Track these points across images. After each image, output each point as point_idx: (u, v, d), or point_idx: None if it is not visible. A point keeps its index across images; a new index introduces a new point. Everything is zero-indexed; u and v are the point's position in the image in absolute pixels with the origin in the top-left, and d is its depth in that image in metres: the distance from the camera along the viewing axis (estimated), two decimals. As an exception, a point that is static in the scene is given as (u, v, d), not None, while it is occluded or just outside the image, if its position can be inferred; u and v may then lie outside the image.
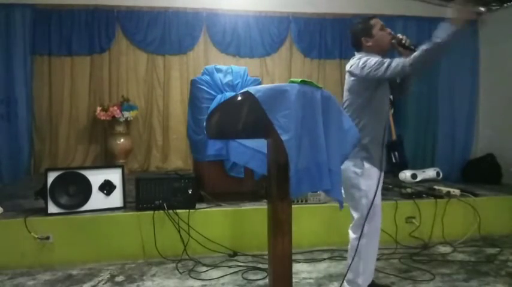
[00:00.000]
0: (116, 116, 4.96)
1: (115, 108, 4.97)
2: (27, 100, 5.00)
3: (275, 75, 5.73)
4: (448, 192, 3.68)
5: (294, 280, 1.85)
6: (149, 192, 3.07)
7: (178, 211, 3.05)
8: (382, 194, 2.28)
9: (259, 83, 3.67)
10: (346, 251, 2.33)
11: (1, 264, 2.79)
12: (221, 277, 2.70)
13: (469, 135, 5.44)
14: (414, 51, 1.99)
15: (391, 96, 2.29)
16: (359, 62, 2.12)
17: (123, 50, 5.43)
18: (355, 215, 2.22)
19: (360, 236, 2.15)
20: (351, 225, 2.27)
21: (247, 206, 3.27)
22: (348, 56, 2.34)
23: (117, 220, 3.01)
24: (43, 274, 2.72)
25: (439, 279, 2.68)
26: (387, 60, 2.03)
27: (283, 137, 1.44)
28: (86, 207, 3.03)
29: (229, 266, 2.87)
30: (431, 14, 5.47)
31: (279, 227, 1.60)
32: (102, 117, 4.98)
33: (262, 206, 3.20)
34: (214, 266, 2.87)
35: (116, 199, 3.14)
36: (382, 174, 2.20)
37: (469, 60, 5.38)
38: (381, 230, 2.29)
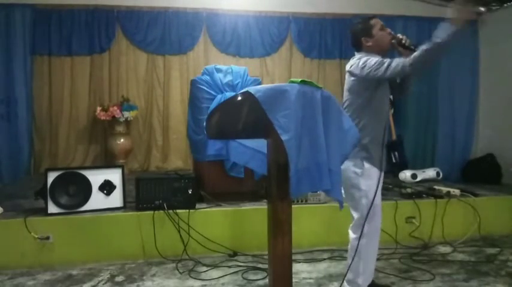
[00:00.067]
0: (116, 116, 4.96)
1: (115, 108, 4.97)
2: (27, 100, 5.00)
3: (275, 75, 5.73)
4: (448, 192, 3.68)
5: (294, 280, 1.86)
6: (149, 192, 3.07)
7: (178, 211, 3.05)
8: (382, 194, 2.28)
9: (259, 83, 3.67)
10: (346, 251, 2.33)
11: (1, 264, 2.79)
12: (221, 277, 2.70)
13: (469, 136, 5.44)
14: (414, 51, 1.99)
15: (391, 96, 2.29)
16: (359, 62, 2.12)
17: (123, 50, 5.43)
18: (355, 215, 2.22)
19: (360, 236, 2.15)
20: (351, 225, 2.27)
21: (247, 206, 3.27)
22: (348, 56, 2.34)
23: (117, 220, 3.01)
24: (43, 274, 2.72)
25: (439, 279, 2.68)
26: (387, 60, 2.03)
27: (283, 137, 1.44)
28: (86, 207, 3.03)
29: (229, 266, 2.87)
30: (431, 14, 5.47)
31: (279, 227, 1.60)
32: (102, 117, 4.98)
33: (262, 206, 3.20)
34: (214, 266, 2.87)
35: (116, 199, 3.14)
36: (382, 174, 2.20)
37: (469, 60, 5.38)
38: (381, 230, 2.29)
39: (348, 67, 2.23)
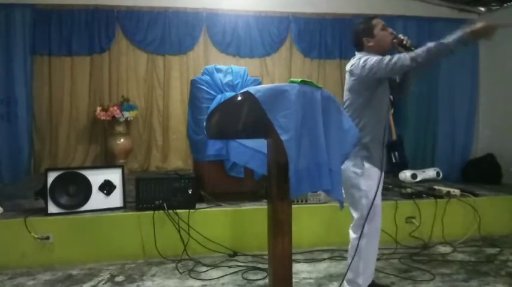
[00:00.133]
0: (116, 116, 4.96)
1: (115, 108, 4.97)
2: (27, 100, 5.01)
3: (275, 75, 5.73)
4: (448, 192, 3.68)
5: (294, 280, 1.86)
6: (149, 192, 3.07)
7: (178, 211, 3.05)
8: (382, 194, 2.27)
9: (259, 83, 3.67)
10: (346, 251, 2.32)
11: (1, 264, 2.79)
12: (221, 277, 2.70)
13: (469, 135, 5.44)
14: None
15: (391, 96, 2.29)
16: (359, 61, 2.12)
17: (123, 50, 5.43)
18: (355, 215, 2.22)
19: (360, 236, 2.15)
20: (351, 225, 2.27)
21: (247, 206, 3.27)
22: (348, 56, 2.35)
23: (117, 220, 3.01)
24: (43, 274, 2.72)
25: (439, 279, 2.68)
26: (387, 57, 2.03)
27: (283, 137, 1.44)
28: (86, 207, 3.03)
29: (229, 266, 2.87)
30: (431, 14, 5.48)
31: (279, 227, 1.60)
32: (102, 117, 4.98)
33: (262, 206, 3.20)
34: (214, 266, 2.87)
35: (116, 199, 3.14)
36: (383, 174, 2.20)
37: (469, 60, 5.38)
38: (381, 230, 2.29)
39: (348, 67, 2.23)
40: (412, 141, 5.42)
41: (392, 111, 4.28)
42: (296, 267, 2.81)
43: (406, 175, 4.54)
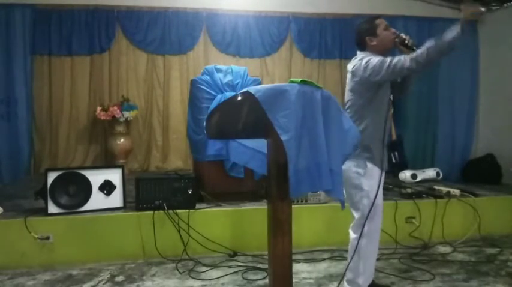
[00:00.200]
0: (116, 116, 4.96)
1: (115, 108, 4.97)
2: (27, 100, 5.00)
3: (275, 75, 5.73)
4: (448, 192, 3.68)
5: (294, 280, 1.86)
6: (149, 192, 3.07)
7: (178, 211, 3.05)
8: (383, 194, 2.28)
9: (259, 83, 3.67)
10: (346, 251, 2.33)
11: (1, 264, 2.79)
12: (221, 277, 2.70)
13: (469, 135, 5.44)
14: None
15: (391, 96, 2.29)
16: (361, 62, 2.12)
17: (123, 50, 5.43)
18: (356, 214, 2.22)
19: (360, 236, 2.15)
20: (351, 225, 2.27)
21: (247, 206, 3.27)
22: (348, 56, 2.35)
23: (117, 220, 3.01)
24: (43, 274, 2.72)
25: (439, 279, 2.68)
26: (388, 59, 2.03)
27: (283, 137, 1.44)
28: (86, 207, 3.03)
29: (229, 266, 2.87)
30: (431, 14, 5.48)
31: (279, 227, 1.60)
32: (102, 117, 4.98)
33: (262, 206, 3.20)
34: (214, 266, 2.87)
35: (116, 199, 3.14)
36: (383, 173, 2.21)
37: (469, 60, 5.38)
38: (381, 230, 2.29)
39: (349, 67, 2.22)
40: (412, 141, 5.42)
41: (392, 111, 4.29)
42: (296, 267, 2.81)
43: (406, 175, 4.54)
